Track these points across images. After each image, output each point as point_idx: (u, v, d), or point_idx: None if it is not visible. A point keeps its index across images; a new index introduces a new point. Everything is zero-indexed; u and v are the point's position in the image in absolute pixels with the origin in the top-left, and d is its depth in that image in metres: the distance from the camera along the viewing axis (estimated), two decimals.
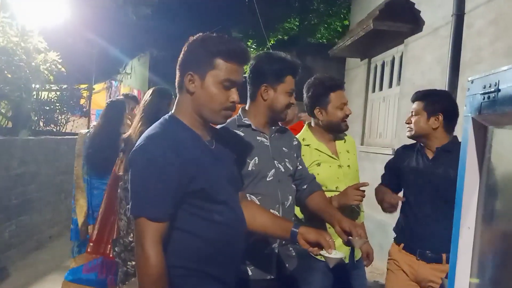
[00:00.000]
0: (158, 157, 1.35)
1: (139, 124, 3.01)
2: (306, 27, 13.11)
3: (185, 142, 1.44)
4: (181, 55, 1.50)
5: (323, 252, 1.61)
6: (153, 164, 1.35)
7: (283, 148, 2.06)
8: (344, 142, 2.56)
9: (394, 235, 2.52)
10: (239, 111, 2.09)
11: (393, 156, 2.64)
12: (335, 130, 2.46)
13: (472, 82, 0.90)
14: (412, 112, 2.37)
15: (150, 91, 3.07)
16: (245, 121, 2.02)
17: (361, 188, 2.21)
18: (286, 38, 13.92)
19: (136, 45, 12.35)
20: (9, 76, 4.14)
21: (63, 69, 5.04)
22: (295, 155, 2.11)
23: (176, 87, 1.53)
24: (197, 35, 1.50)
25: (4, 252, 4.38)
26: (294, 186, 2.08)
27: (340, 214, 1.88)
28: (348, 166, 2.48)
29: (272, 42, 13.82)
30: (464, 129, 0.90)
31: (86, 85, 8.12)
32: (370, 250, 2.38)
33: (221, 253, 1.48)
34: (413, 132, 2.37)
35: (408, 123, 2.38)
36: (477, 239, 0.85)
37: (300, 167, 2.16)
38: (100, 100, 12.42)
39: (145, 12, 8.40)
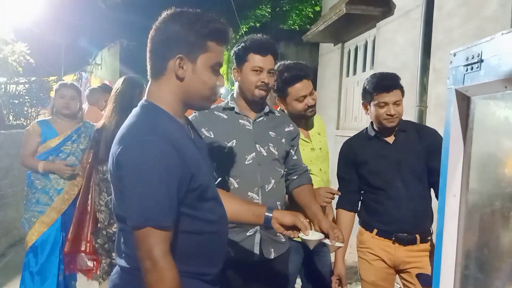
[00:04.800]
0: (158, 156, 1.18)
1: (113, 114, 2.96)
2: (278, 14, 13.11)
3: (177, 135, 1.29)
4: (158, 35, 1.32)
5: (301, 235, 1.60)
6: (154, 164, 1.18)
7: (269, 133, 2.08)
8: (316, 124, 2.60)
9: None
10: (229, 96, 2.14)
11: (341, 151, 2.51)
12: (299, 119, 2.46)
13: (454, 55, 0.92)
14: (395, 102, 2.23)
15: (121, 79, 3.02)
16: (231, 104, 2.07)
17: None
18: (258, 25, 13.90)
19: (105, 35, 12.09)
20: None
21: (32, 61, 4.89)
22: (283, 141, 2.10)
23: (151, 72, 1.35)
24: (174, 11, 1.33)
25: None
26: (280, 170, 2.08)
27: (321, 214, 1.88)
28: (320, 148, 2.54)
29: (244, 29, 13.76)
30: (448, 101, 0.92)
31: (55, 77, 7.90)
32: (342, 273, 2.33)
33: (213, 251, 1.38)
34: (396, 122, 2.26)
35: (392, 115, 2.22)
36: (462, 206, 0.88)
37: (295, 157, 2.18)
38: None
39: (114, 1, 8.20)
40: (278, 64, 2.41)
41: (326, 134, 2.67)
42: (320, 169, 2.49)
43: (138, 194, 1.18)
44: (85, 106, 5.73)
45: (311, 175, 2.31)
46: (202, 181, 1.30)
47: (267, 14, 14.14)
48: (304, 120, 2.50)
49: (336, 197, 2.37)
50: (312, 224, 1.86)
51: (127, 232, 1.26)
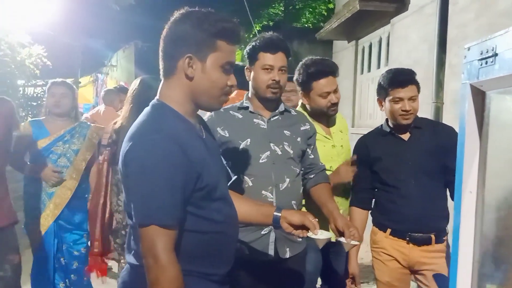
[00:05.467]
0: (164, 155, 1.19)
1: (129, 114, 2.98)
2: (291, 12, 13.07)
3: (185, 134, 1.29)
4: (168, 35, 1.33)
5: (310, 234, 1.59)
6: (159, 163, 1.18)
7: (284, 131, 2.07)
8: (337, 122, 2.58)
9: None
10: (244, 96, 2.15)
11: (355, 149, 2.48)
12: (321, 115, 2.46)
13: (468, 49, 0.91)
14: (411, 97, 2.19)
15: (137, 80, 3.03)
16: (245, 104, 2.08)
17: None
18: (271, 23, 13.86)
19: (120, 37, 12.21)
20: None
21: (48, 63, 4.96)
22: (298, 140, 2.09)
23: (163, 71, 1.36)
24: (185, 10, 1.33)
25: None
26: (296, 169, 2.07)
27: (337, 212, 1.87)
28: (341, 146, 2.51)
29: (257, 28, 13.75)
30: (462, 96, 0.91)
31: (72, 79, 8.02)
32: (356, 271, 2.32)
33: (219, 251, 1.37)
34: (412, 118, 2.23)
35: (407, 111, 2.19)
36: (479, 203, 0.87)
37: (312, 156, 2.17)
38: (86, 94, 12.30)
39: (128, 3, 8.28)
40: (306, 59, 2.42)
41: (348, 132, 2.65)
42: None
43: (143, 192, 1.19)
44: (102, 107, 5.81)
45: (331, 172, 2.30)
46: (209, 181, 1.29)
47: (280, 13, 14.11)
48: (325, 117, 2.49)
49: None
50: (329, 223, 1.86)
51: (135, 228, 1.28)
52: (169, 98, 1.34)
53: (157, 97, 1.38)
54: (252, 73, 2.06)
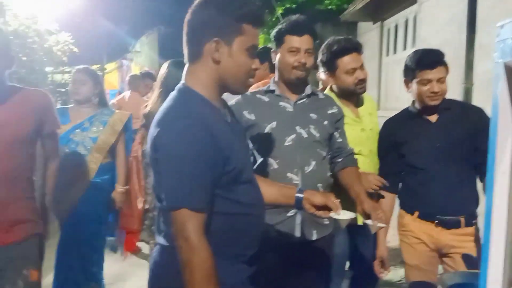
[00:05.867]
0: (193, 140, 1.21)
1: (159, 99, 3.04)
2: None
3: (212, 119, 1.30)
4: (193, 20, 1.33)
5: (332, 214, 1.60)
6: (189, 147, 1.20)
7: (311, 115, 2.07)
8: (367, 104, 2.55)
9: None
10: (271, 79, 2.17)
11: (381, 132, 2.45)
12: (349, 95, 2.44)
13: (502, 27, 0.88)
14: (439, 79, 2.13)
15: (166, 64, 3.07)
16: (272, 87, 2.09)
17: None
18: (294, 6, 13.65)
19: (143, 23, 12.31)
20: (24, 58, 4.17)
21: (75, 50, 5.05)
22: (325, 123, 2.09)
23: (188, 55, 1.37)
24: None
25: None
26: (322, 153, 2.07)
27: (364, 195, 1.88)
28: (371, 129, 2.49)
29: (280, 11, 13.58)
30: (495, 76, 0.89)
31: (98, 66, 8.14)
32: (384, 255, 2.30)
33: (247, 233, 1.39)
34: (440, 100, 2.17)
35: (436, 93, 2.13)
36: None
37: (340, 139, 2.16)
38: (112, 79, 12.47)
39: None
40: (328, 39, 2.41)
41: (377, 115, 2.62)
42: (371, 150, 2.45)
43: (173, 176, 1.22)
44: (127, 93, 5.90)
45: (360, 156, 2.29)
46: (236, 164, 1.31)
47: None
48: (354, 98, 2.47)
49: None
50: (355, 205, 1.86)
51: (164, 210, 1.31)
52: (195, 82, 1.35)
53: (182, 81, 1.39)
54: (278, 56, 2.06)
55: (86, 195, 2.90)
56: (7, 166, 1.94)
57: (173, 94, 1.37)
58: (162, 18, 12.56)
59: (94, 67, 7.91)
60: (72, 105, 3.14)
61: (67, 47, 4.92)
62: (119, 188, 3.06)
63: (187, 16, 1.34)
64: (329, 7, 12.55)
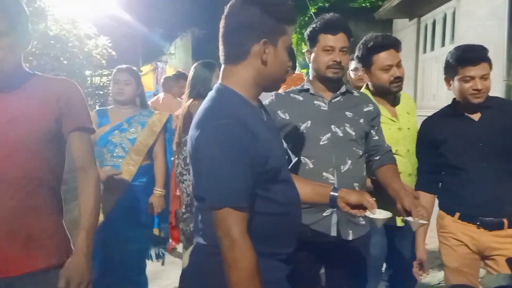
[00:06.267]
0: (234, 139, 1.22)
1: (190, 100, 3.14)
2: None
3: (251, 118, 1.31)
4: (236, 21, 1.33)
5: (368, 213, 1.58)
6: (230, 147, 1.22)
7: (346, 113, 2.05)
8: (404, 103, 2.50)
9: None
10: (306, 78, 2.18)
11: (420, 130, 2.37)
12: (384, 93, 2.40)
13: None
14: (483, 76, 2.06)
15: (193, 66, 3.17)
16: (306, 86, 2.09)
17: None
18: (327, 5, 13.54)
19: (177, 26, 12.51)
20: (65, 62, 4.31)
21: (113, 53, 5.17)
22: (361, 121, 2.06)
23: (227, 56, 1.36)
24: None
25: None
26: (358, 151, 2.04)
27: (404, 192, 1.84)
28: (408, 128, 2.43)
29: (313, 10, 13.50)
30: None
31: (134, 68, 8.33)
32: (423, 257, 2.23)
33: (284, 232, 1.40)
34: (484, 97, 2.08)
35: (479, 90, 2.05)
36: None
37: (376, 137, 2.13)
38: (147, 81, 12.75)
39: None
40: (366, 35, 2.40)
41: (416, 114, 2.56)
42: (408, 150, 2.39)
43: (215, 176, 1.23)
44: (161, 94, 6.02)
45: (397, 156, 2.24)
46: (275, 163, 1.32)
47: None
48: (390, 96, 2.43)
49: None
50: (395, 203, 1.83)
51: (204, 211, 1.33)
52: (235, 82, 1.35)
53: (219, 81, 1.40)
54: (312, 55, 2.05)
55: (123, 199, 2.82)
56: (23, 169, 1.52)
57: (211, 94, 1.38)
58: (195, 21, 12.72)
59: None
60: (111, 106, 3.07)
61: (106, 50, 5.04)
62: (158, 191, 2.96)
63: (225, 18, 1.35)
64: (363, 4, 12.37)
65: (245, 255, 1.21)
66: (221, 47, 1.37)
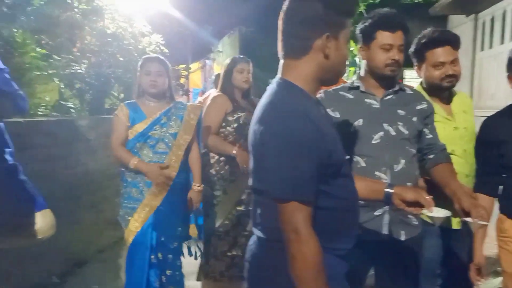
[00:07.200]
0: (301, 133, 1.22)
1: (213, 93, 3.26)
2: None
3: (315, 112, 1.31)
4: (297, 15, 1.32)
5: (425, 211, 1.53)
6: (298, 141, 1.21)
7: (398, 111, 2.00)
8: (461, 102, 2.41)
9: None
10: (355, 75, 2.14)
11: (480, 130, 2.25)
12: (437, 90, 2.32)
13: None
14: None
15: (225, 61, 3.30)
16: (356, 84, 2.04)
17: None
18: (378, 1, 13.24)
19: (226, 24, 12.65)
20: (121, 59, 4.48)
21: (166, 51, 5.33)
22: (414, 119, 2.01)
23: (288, 51, 1.36)
24: None
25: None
26: (412, 150, 2.00)
27: (462, 191, 1.78)
28: (465, 128, 2.35)
29: (363, 7, 13.24)
30: None
31: (183, 65, 8.52)
32: (482, 261, 2.13)
33: (345, 227, 1.38)
34: None
35: None
36: None
37: (430, 135, 2.08)
38: (196, 79, 13.02)
39: None
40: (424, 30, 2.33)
41: (473, 113, 2.47)
42: (465, 150, 2.31)
43: (283, 169, 1.22)
44: (212, 91, 6.13)
45: (454, 156, 2.17)
46: (337, 157, 1.32)
47: None
48: (445, 94, 2.36)
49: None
50: (453, 203, 1.77)
51: (264, 204, 1.34)
52: (296, 76, 1.35)
53: (279, 76, 1.40)
54: (367, 52, 2.00)
55: (168, 196, 2.76)
56: None
57: (272, 88, 1.37)
58: (243, 19, 12.82)
59: (180, 66, 8.31)
60: (135, 99, 2.85)
61: (158, 48, 5.21)
62: (196, 186, 2.91)
63: (288, 13, 1.35)
64: (416, 0, 12.01)
65: (311, 249, 1.21)
66: (280, 42, 1.38)
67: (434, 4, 6.71)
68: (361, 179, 1.67)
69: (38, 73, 3.87)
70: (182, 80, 7.84)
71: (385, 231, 1.96)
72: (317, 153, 1.23)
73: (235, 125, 3.12)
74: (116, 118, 2.77)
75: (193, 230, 3.03)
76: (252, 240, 1.46)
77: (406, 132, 1.97)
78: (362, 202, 1.77)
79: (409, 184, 1.96)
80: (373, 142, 1.95)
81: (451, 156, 2.17)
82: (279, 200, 1.24)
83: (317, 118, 1.29)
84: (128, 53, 4.58)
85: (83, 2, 4.69)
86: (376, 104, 2.00)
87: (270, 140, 1.24)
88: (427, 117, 2.07)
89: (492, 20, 5.71)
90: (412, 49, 2.36)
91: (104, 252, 4.30)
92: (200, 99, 6.08)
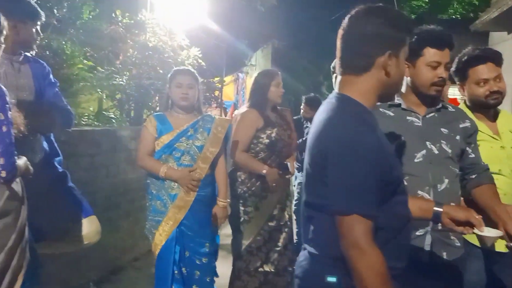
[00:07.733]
0: (366, 147, 1.22)
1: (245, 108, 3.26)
2: (437, 3, 12.19)
3: (375, 127, 1.32)
4: (359, 33, 1.34)
5: (476, 231, 1.50)
6: (362, 154, 1.22)
7: (441, 129, 1.97)
8: (506, 121, 2.36)
9: None
10: None
11: None
12: (482, 108, 2.29)
13: None
14: None
15: (255, 75, 3.31)
16: (397, 101, 2.00)
17: None
18: (414, 17, 13.12)
19: (260, 37, 12.79)
20: (161, 71, 4.60)
21: (203, 64, 5.43)
22: (457, 138, 1.97)
23: (347, 67, 1.38)
24: (370, 7, 1.36)
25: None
26: (455, 170, 1.96)
27: (507, 215, 1.74)
28: None
29: None
30: None
31: (218, 78, 8.63)
32: None
33: (400, 246, 1.37)
34: None
35: None
36: None
37: (472, 155, 2.04)
38: (229, 92, 13.14)
39: (271, 3, 8.63)
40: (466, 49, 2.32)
41: None
42: None
43: (347, 182, 1.23)
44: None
45: (501, 176, 2.12)
46: (397, 173, 1.33)
47: (423, 5, 13.28)
48: (490, 112, 2.32)
49: None
50: (497, 227, 1.73)
51: (318, 219, 1.34)
52: (356, 92, 1.36)
53: (337, 90, 1.42)
54: (411, 69, 1.96)
55: (190, 211, 2.72)
56: None
57: (331, 103, 1.38)
58: (276, 33, 12.92)
59: (215, 79, 8.42)
60: (163, 111, 2.86)
61: (196, 61, 5.31)
62: (221, 201, 2.85)
63: (350, 29, 1.37)
64: (454, 16, 11.81)
65: (375, 260, 1.20)
66: (340, 58, 1.40)
67: (475, 21, 6.59)
68: (409, 197, 1.66)
69: (83, 84, 4.02)
70: (217, 93, 7.92)
71: (426, 250, 1.92)
72: (380, 168, 1.24)
73: (267, 141, 3.11)
74: (144, 129, 2.78)
75: None
76: (304, 256, 1.45)
77: (449, 150, 1.94)
78: None
79: (452, 204, 1.93)
80: (416, 160, 1.92)
81: (498, 176, 2.13)
82: (340, 212, 1.24)
83: (379, 133, 1.31)
84: (168, 66, 4.69)
85: (127, 16, 4.87)
86: (418, 122, 1.97)
87: (335, 153, 1.25)
88: (470, 136, 2.03)
89: None
90: (453, 68, 2.34)
91: (139, 260, 4.36)
92: (237, 112, 6.13)
